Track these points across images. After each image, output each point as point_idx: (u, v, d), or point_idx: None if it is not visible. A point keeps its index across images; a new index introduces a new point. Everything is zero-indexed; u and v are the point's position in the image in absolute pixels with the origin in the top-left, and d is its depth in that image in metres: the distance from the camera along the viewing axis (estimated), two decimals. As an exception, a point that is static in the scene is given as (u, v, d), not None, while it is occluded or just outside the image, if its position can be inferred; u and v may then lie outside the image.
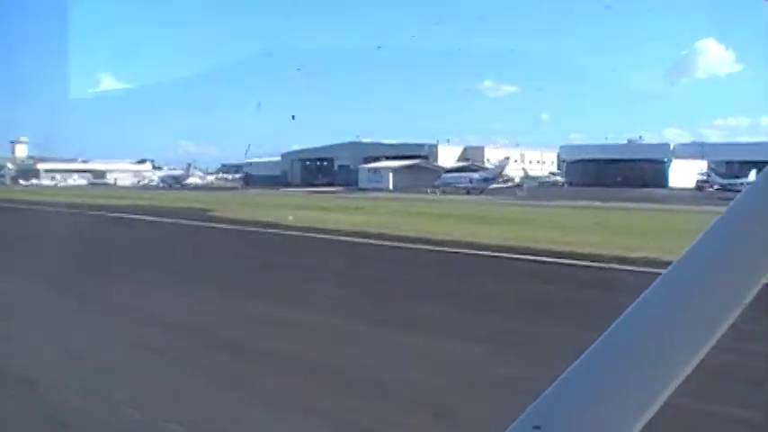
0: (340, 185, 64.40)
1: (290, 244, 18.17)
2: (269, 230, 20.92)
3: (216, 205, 33.09)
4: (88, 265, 13.53)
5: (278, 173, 75.63)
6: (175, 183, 68.42)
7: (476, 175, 54.91)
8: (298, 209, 28.88)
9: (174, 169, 74.39)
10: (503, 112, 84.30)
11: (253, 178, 75.92)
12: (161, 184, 68.76)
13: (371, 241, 17.43)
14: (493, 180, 52.84)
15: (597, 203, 33.35)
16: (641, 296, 0.91)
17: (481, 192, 50.24)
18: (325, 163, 75.19)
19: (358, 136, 71.23)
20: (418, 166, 63.27)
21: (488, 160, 65.57)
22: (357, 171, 68.22)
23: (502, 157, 59.84)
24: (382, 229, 19.57)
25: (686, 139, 69.98)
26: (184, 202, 36.44)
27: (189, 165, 73.42)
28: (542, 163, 72.68)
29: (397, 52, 75.20)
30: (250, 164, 78.39)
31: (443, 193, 50.03)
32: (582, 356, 0.91)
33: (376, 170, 63.34)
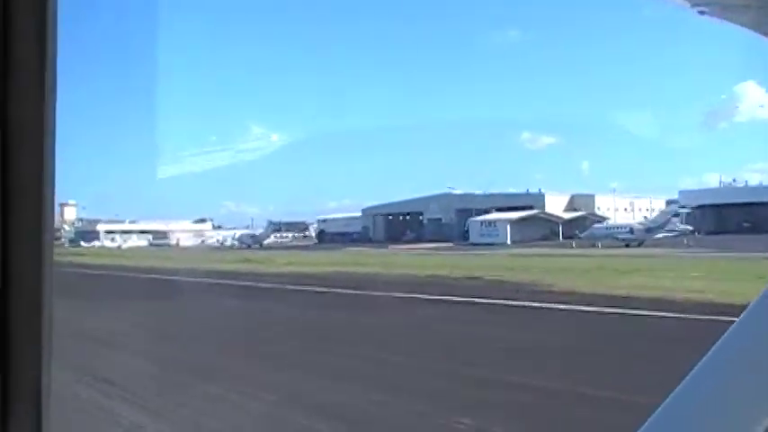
0: (432, 240, 58.48)
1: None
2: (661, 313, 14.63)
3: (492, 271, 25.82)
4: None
5: (357, 229, 69.55)
6: (254, 242, 62.34)
7: (638, 225, 48.68)
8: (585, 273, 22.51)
9: (236, 228, 68.63)
10: (542, 162, 77.89)
11: (328, 235, 70.06)
12: (238, 245, 62.70)
13: None
14: (657, 230, 46.53)
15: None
16: None
17: (640, 243, 43.97)
18: (409, 217, 69.15)
19: (450, 187, 65.38)
20: (534, 218, 57.07)
21: (599, 208, 59.51)
22: (450, 225, 62.11)
23: (644, 206, 53.89)
24: None
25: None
26: (400, 269, 29.57)
27: (270, 223, 67.41)
28: (651, 210, 66.41)
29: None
30: (324, 220, 72.54)
31: (592, 245, 43.75)
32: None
33: (490, 223, 56.94)
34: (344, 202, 79.81)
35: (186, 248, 63.36)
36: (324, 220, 72.35)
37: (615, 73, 63.94)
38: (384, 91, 67.95)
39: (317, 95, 69.25)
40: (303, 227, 74.32)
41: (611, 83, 64.38)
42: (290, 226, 75.90)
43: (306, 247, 59.23)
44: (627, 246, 43.52)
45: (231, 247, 61.70)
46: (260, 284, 24.86)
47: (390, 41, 66.72)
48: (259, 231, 65.60)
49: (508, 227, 54.98)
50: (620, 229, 47.77)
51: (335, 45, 68.10)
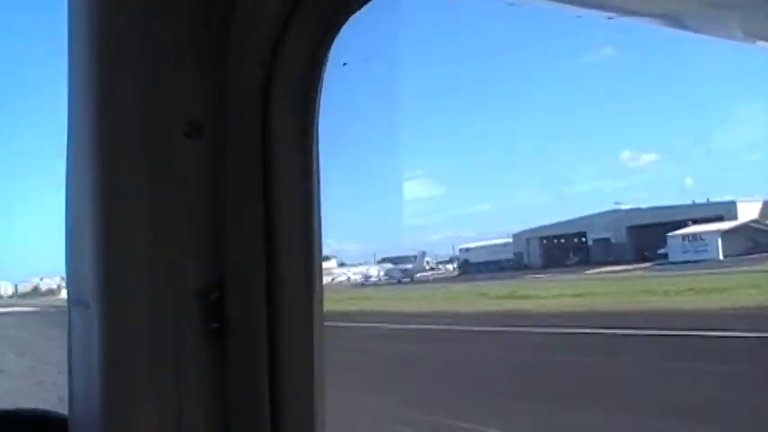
0: (602, 264, 51.69)
1: None
2: None
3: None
4: None
5: (507, 256, 63.27)
6: (404, 276, 57.24)
7: None
8: None
9: (363, 264, 63.64)
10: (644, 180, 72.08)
11: (473, 265, 64.14)
12: (385, 279, 57.75)
13: None
14: None
15: None
16: None
17: None
18: (574, 239, 62.16)
19: (617, 203, 58.37)
20: (744, 228, 48.78)
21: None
22: (621, 245, 55.02)
23: None
24: None
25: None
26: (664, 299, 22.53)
27: (423, 253, 62.31)
28: None
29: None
30: (467, 249, 66.68)
31: None
32: None
33: (695, 237, 49.02)
34: (447, 233, 76.02)
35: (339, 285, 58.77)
36: (467, 249, 66.56)
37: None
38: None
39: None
40: (412, 259, 69.18)
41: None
42: (401, 260, 71.13)
43: (469, 280, 53.36)
44: None
45: (377, 283, 57.25)
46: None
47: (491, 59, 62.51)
48: (410, 265, 60.56)
49: (719, 240, 46.87)
50: None
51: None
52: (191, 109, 1.04)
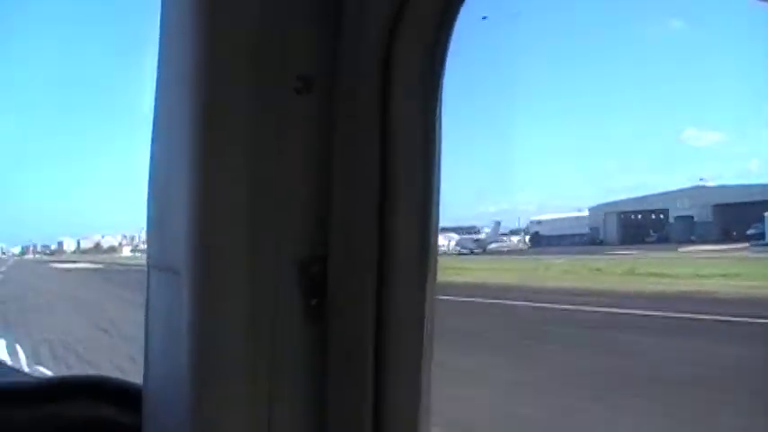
0: (684, 242, 49.94)
1: None
2: None
3: None
4: None
5: (580, 230, 61.93)
6: (477, 247, 56.64)
7: None
8: None
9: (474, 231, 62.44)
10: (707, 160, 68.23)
11: (543, 238, 63.00)
12: (458, 250, 57.28)
13: None
14: None
15: None
16: None
17: None
18: (653, 216, 60.25)
19: (702, 179, 56.05)
20: None
21: None
22: (706, 223, 52.99)
23: None
24: None
25: None
26: None
27: (498, 223, 61.49)
28: None
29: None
30: (539, 222, 65.46)
31: None
32: None
33: None
34: (503, 205, 73.90)
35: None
36: (538, 222, 65.38)
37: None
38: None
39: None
40: (475, 230, 67.95)
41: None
42: (459, 231, 70.11)
43: (543, 253, 52.46)
44: None
45: (446, 252, 56.79)
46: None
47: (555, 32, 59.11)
48: (483, 235, 59.86)
49: None
50: None
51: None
52: (301, 63, 0.95)
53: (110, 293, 31.45)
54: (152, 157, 1.10)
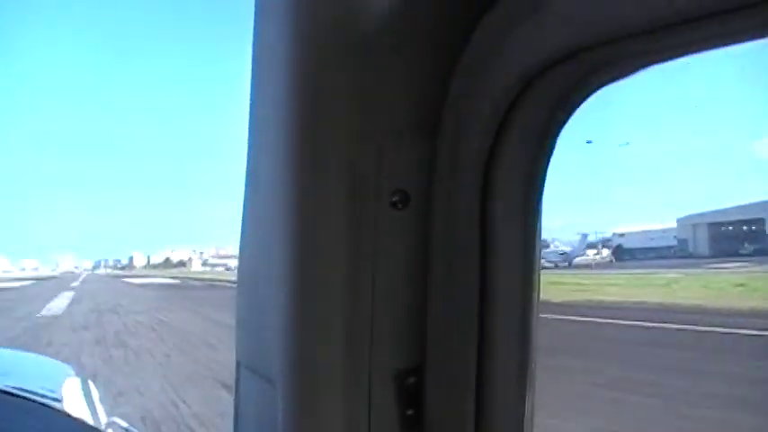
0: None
1: None
2: None
3: None
4: None
5: (667, 242, 60.07)
6: (563, 261, 55.75)
7: None
8: None
9: (545, 245, 61.78)
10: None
11: (627, 251, 61.40)
12: (542, 263, 56.37)
13: None
14: None
15: None
16: None
17: None
18: (744, 227, 58.04)
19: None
20: None
21: None
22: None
23: None
24: None
25: None
26: None
27: (585, 236, 60.60)
28: None
29: None
30: (622, 234, 63.98)
31: None
32: None
33: None
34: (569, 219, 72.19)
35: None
36: (621, 234, 63.85)
37: None
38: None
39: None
40: (545, 244, 66.52)
41: None
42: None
43: (631, 267, 51.05)
44: None
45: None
46: None
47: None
48: (568, 248, 58.86)
49: None
50: None
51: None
52: (398, 177, 0.95)
53: (205, 318, 24.30)
54: (241, 254, 1.11)
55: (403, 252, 0.98)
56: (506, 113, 0.90)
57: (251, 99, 1.05)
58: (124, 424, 2.00)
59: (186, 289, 50.41)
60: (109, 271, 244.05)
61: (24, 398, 1.26)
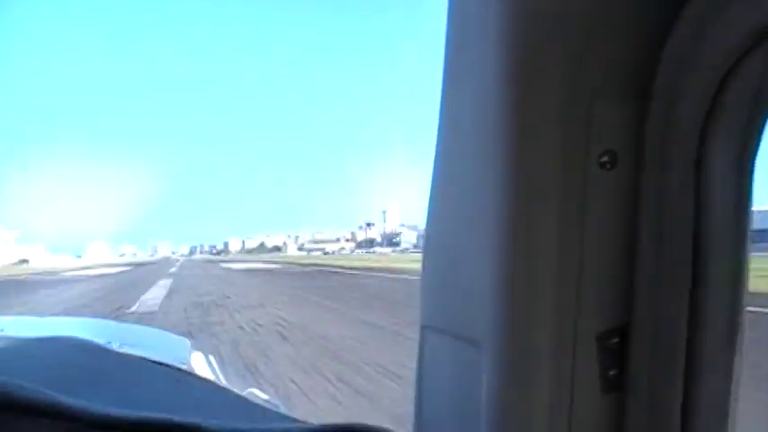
0: None
1: None
2: None
3: None
4: None
5: (764, 225, 47.40)
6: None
7: None
8: None
9: None
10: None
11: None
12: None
13: None
14: None
15: None
16: None
17: None
18: None
19: None
20: None
21: None
22: None
23: None
24: None
25: None
26: None
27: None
28: None
29: None
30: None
31: None
32: None
33: None
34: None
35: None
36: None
37: None
38: None
39: None
40: None
41: None
42: None
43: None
44: None
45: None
46: None
47: None
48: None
49: None
50: None
51: None
52: (607, 137, 0.96)
53: (351, 319, 14.05)
54: (430, 223, 1.09)
55: (612, 211, 0.98)
56: (725, 76, 0.86)
57: (445, 62, 1.06)
58: (264, 396, 1.81)
59: (293, 276, 41.58)
60: (205, 256, 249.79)
61: (159, 363, 1.23)
